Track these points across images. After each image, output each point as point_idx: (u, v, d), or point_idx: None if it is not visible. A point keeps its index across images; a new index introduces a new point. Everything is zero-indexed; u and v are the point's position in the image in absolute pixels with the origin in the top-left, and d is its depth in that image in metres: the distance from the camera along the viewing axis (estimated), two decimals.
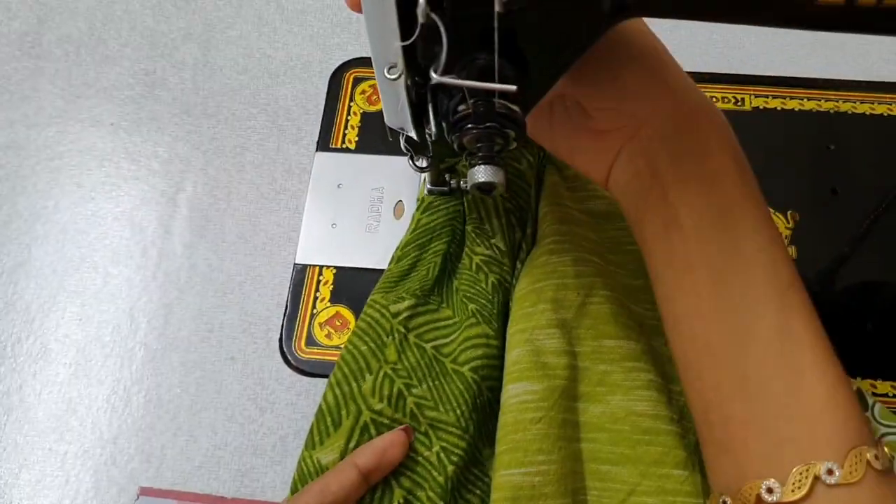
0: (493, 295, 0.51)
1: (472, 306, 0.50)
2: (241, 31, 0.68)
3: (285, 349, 0.55)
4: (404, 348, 0.49)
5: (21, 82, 0.67)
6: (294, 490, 0.45)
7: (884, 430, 0.47)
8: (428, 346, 0.49)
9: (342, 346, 0.54)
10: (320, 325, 0.55)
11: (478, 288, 0.51)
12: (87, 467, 0.52)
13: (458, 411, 0.47)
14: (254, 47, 0.67)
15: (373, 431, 0.46)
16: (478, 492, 0.47)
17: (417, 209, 0.55)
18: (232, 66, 0.67)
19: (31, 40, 0.69)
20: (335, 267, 0.58)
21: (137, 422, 0.53)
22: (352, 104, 0.64)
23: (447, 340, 0.49)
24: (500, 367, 0.49)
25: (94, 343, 0.56)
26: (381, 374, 0.48)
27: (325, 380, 0.54)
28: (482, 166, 0.39)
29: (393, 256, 0.54)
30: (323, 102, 0.64)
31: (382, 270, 0.57)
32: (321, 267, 0.58)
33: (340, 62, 0.66)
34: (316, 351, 0.55)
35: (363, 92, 0.65)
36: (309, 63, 0.66)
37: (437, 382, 0.48)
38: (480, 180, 0.39)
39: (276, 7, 0.69)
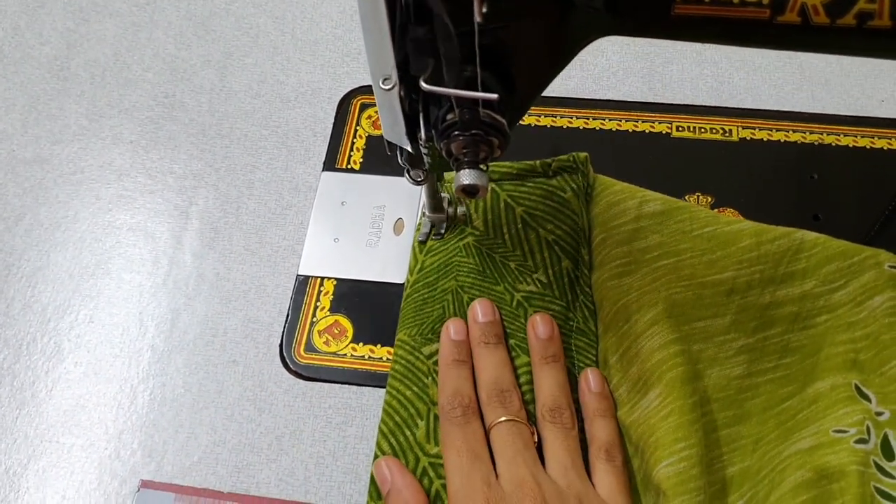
0: None
1: (511, 342, 0.53)
2: (257, 59, 0.72)
3: (285, 354, 0.58)
4: None
5: (48, 102, 0.71)
6: None
7: None
8: None
9: (342, 352, 0.57)
10: (319, 332, 0.58)
11: (517, 324, 0.54)
12: (92, 460, 0.54)
13: None
14: (268, 74, 0.71)
15: (432, 474, 0.49)
16: None
17: (421, 252, 0.58)
18: (246, 91, 0.70)
19: (59, 64, 0.73)
20: (336, 278, 0.61)
21: (142, 419, 0.56)
22: (358, 128, 0.68)
23: None
24: None
25: (104, 344, 0.59)
26: (432, 416, 0.51)
27: (322, 384, 0.57)
28: (467, 170, 0.42)
29: (403, 296, 0.57)
30: (331, 126, 0.68)
31: (381, 283, 0.60)
32: (322, 278, 0.61)
33: (349, 89, 0.70)
34: (314, 356, 0.57)
35: (369, 117, 0.69)
36: (319, 89, 0.70)
37: None
38: (465, 183, 0.42)
39: (290, 37, 0.74)
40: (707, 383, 0.52)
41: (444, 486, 0.48)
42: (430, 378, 0.52)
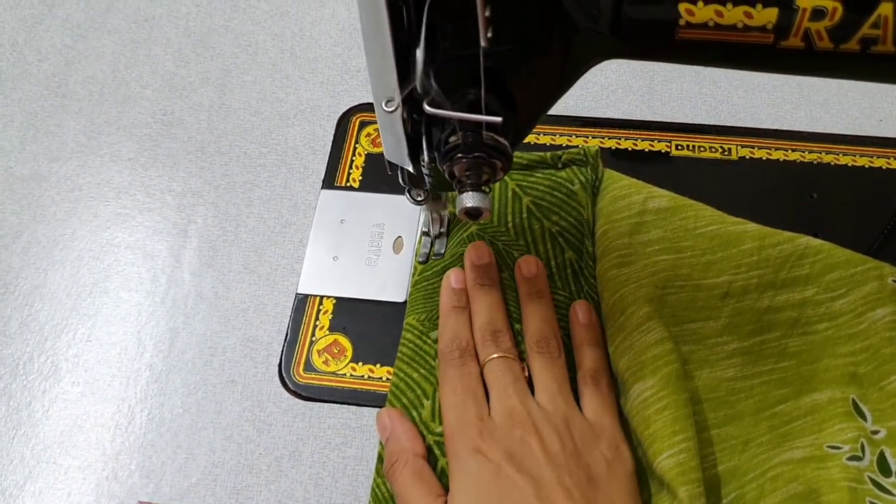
0: None
1: (517, 326, 0.54)
2: (256, 76, 0.72)
3: (284, 374, 0.58)
4: None
5: (46, 119, 0.71)
6: None
7: None
8: None
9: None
10: (318, 351, 0.58)
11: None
12: (89, 481, 0.54)
13: None
14: (267, 91, 0.71)
15: (437, 452, 0.50)
16: None
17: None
18: (245, 108, 0.70)
19: (58, 81, 0.73)
20: (335, 297, 0.60)
21: (139, 439, 0.55)
22: (357, 146, 0.68)
23: None
24: None
25: (102, 364, 0.58)
26: (437, 397, 0.52)
27: (322, 404, 0.56)
28: (470, 193, 0.42)
29: (411, 283, 0.59)
30: (330, 144, 0.68)
31: (381, 301, 0.60)
32: (322, 297, 0.60)
33: (348, 107, 0.70)
34: (313, 376, 0.57)
35: (368, 135, 0.68)
36: (318, 107, 0.70)
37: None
38: (468, 206, 0.42)
39: (289, 55, 0.74)
40: (697, 384, 0.53)
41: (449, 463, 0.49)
42: (436, 360, 0.53)
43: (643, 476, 0.49)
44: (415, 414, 0.52)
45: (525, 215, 0.58)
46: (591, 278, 0.57)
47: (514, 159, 0.60)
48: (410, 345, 0.55)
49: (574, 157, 0.60)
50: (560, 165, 0.60)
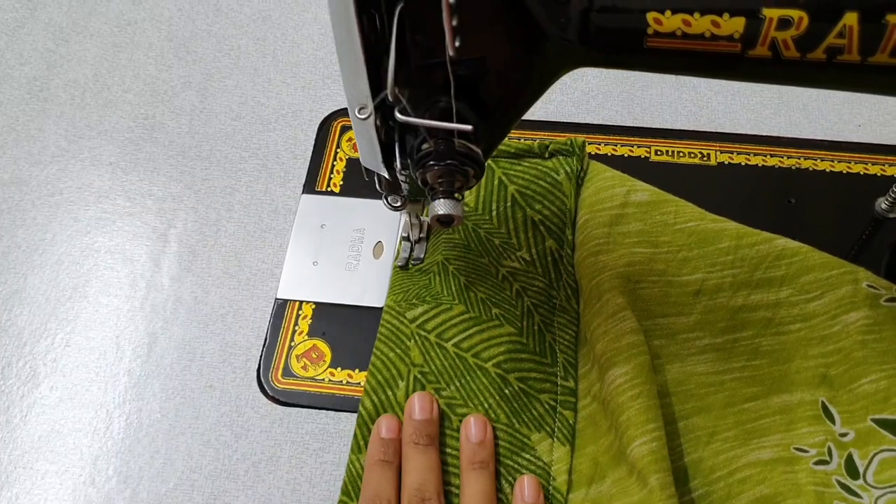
0: (517, 300, 0.56)
1: (495, 311, 0.55)
2: (238, 80, 0.72)
3: (262, 379, 0.58)
4: (427, 349, 0.54)
5: (27, 123, 0.71)
6: (345, 490, 0.50)
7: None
8: (448, 344, 0.54)
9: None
10: (297, 357, 0.58)
11: (503, 295, 0.56)
12: (66, 486, 0.54)
13: (486, 404, 0.52)
14: (248, 96, 0.71)
15: None
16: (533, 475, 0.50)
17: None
18: (227, 112, 0.70)
19: (39, 84, 0.73)
20: (314, 302, 0.60)
21: (117, 444, 0.55)
22: (338, 151, 0.68)
23: (465, 335, 0.54)
24: (526, 360, 0.54)
25: (80, 368, 0.58)
26: (412, 378, 0.53)
27: (300, 409, 0.56)
28: (442, 200, 0.42)
29: (392, 270, 0.60)
30: (311, 148, 0.68)
31: (360, 307, 0.60)
32: (301, 302, 0.60)
33: (329, 112, 0.70)
34: (292, 381, 0.57)
35: (349, 140, 0.68)
36: (299, 112, 0.70)
37: (463, 381, 0.53)
38: (440, 212, 0.42)
39: (271, 59, 0.74)
40: (667, 377, 0.53)
41: None
42: (412, 341, 0.54)
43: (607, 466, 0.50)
44: (389, 393, 0.52)
45: (509, 203, 0.59)
46: (571, 266, 0.58)
47: (502, 147, 0.61)
48: (388, 325, 0.55)
49: (561, 147, 0.61)
50: (547, 155, 0.61)
